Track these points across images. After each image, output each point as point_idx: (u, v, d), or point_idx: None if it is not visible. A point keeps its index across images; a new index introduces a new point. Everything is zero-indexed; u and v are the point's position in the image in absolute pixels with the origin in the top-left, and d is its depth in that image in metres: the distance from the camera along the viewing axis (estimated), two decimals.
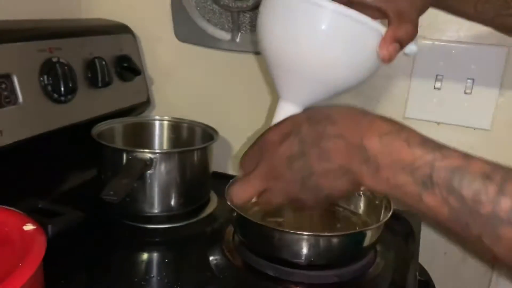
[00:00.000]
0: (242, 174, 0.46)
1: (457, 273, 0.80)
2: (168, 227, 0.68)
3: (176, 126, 0.83)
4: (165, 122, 0.83)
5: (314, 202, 0.43)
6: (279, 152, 0.42)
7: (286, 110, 0.48)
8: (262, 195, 0.44)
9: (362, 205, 0.69)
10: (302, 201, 0.43)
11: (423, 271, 0.69)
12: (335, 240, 0.56)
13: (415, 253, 0.64)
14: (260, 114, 0.84)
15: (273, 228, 0.57)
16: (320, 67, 0.47)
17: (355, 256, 0.59)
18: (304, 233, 0.55)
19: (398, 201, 0.39)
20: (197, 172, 0.72)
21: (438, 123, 0.76)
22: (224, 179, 0.65)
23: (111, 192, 0.57)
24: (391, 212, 0.59)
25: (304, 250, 0.55)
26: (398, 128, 0.38)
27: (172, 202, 0.70)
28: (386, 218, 0.59)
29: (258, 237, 0.59)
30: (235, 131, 0.85)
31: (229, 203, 0.53)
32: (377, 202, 0.65)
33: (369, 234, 0.58)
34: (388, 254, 0.63)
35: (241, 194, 0.46)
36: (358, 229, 0.64)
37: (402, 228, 0.69)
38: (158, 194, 0.68)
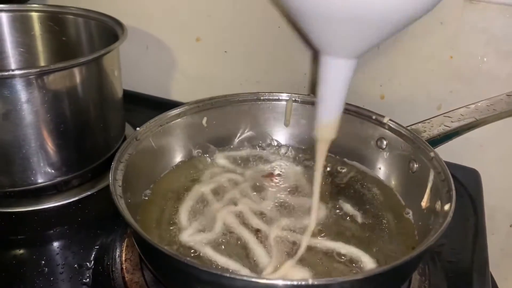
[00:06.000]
0: None
1: None
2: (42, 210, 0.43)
3: (56, 20, 0.54)
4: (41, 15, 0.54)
5: None
6: None
7: (334, 65, 0.39)
8: None
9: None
10: None
11: None
12: None
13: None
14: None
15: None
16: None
17: None
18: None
19: None
20: (96, 101, 0.46)
21: None
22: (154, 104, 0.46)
23: None
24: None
25: None
26: None
27: (52, 163, 0.43)
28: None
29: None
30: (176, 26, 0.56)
31: None
32: None
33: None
34: None
35: None
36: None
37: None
38: (23, 150, 0.42)
